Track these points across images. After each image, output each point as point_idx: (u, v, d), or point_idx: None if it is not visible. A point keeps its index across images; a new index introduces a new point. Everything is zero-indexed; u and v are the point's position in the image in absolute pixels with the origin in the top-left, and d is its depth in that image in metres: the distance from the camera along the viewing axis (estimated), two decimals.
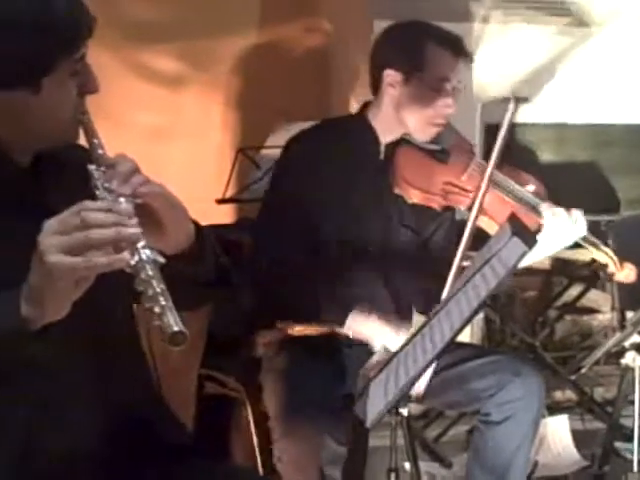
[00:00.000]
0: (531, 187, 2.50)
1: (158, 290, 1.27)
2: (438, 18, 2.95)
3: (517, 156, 3.55)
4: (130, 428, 1.57)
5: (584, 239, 2.43)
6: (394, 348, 2.17)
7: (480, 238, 2.40)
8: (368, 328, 2.33)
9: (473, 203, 2.32)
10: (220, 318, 2.58)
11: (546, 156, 3.68)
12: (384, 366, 1.69)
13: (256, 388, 2.46)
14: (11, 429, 1.43)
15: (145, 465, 1.58)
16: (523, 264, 1.61)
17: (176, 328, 1.24)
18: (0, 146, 1.48)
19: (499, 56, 3.42)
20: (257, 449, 2.46)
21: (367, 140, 2.48)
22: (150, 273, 1.28)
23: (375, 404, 1.62)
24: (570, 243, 2.41)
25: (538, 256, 2.38)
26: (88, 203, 1.29)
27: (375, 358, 2.05)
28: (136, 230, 1.30)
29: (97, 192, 1.38)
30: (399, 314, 2.46)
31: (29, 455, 1.45)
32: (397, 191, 2.43)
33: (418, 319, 2.58)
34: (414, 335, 1.73)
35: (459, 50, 2.42)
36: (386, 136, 2.47)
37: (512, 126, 3.37)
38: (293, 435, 2.22)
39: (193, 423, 2.55)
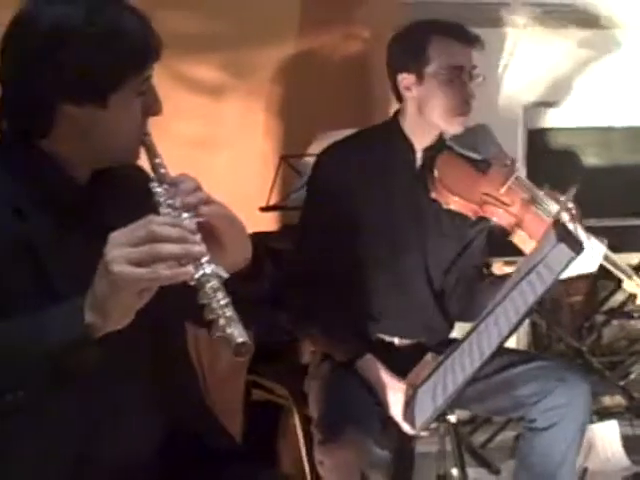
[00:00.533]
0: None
1: (222, 303, 1.29)
2: (476, 24, 2.96)
3: (561, 160, 3.54)
4: (181, 438, 1.59)
5: (615, 265, 2.40)
6: (391, 403, 2.20)
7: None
8: (374, 377, 2.31)
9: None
10: (266, 325, 2.60)
11: (591, 160, 3.65)
12: (431, 373, 1.69)
13: (302, 394, 2.48)
14: (69, 436, 1.45)
15: (195, 473, 1.60)
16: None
17: (240, 339, 1.26)
18: (60, 163, 1.50)
19: (540, 61, 3.40)
20: (304, 455, 2.47)
21: (401, 147, 2.47)
22: (214, 286, 1.30)
23: (423, 410, 1.62)
24: (582, 272, 2.38)
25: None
26: (155, 217, 1.31)
27: (421, 365, 2.05)
28: (201, 247, 1.32)
29: (160, 209, 1.40)
30: (439, 320, 2.48)
31: (85, 462, 1.47)
32: (434, 196, 2.42)
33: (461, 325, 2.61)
34: (461, 342, 1.73)
35: (464, 37, 2.41)
36: (420, 141, 2.46)
37: (543, 130, 3.43)
38: (335, 439, 2.22)
39: (241, 430, 2.58)
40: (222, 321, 1.27)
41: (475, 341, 1.65)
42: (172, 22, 3.36)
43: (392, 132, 2.49)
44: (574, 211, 2.40)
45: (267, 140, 3.62)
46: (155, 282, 1.27)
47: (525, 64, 3.33)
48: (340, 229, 2.40)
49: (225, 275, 1.33)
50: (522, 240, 2.41)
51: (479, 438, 3.16)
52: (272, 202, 3.22)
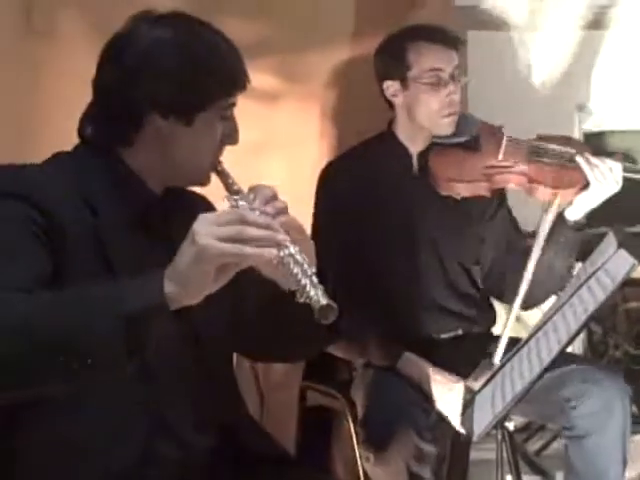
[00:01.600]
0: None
1: (306, 270, 1.35)
2: (531, 28, 2.95)
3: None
4: (231, 443, 1.63)
5: None
6: (446, 402, 2.18)
7: None
8: (419, 373, 2.33)
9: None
10: None
11: None
12: (489, 379, 1.68)
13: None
14: (131, 436, 1.49)
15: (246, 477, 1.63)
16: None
17: (324, 302, 1.31)
18: (138, 174, 1.55)
19: (594, 64, 3.36)
20: (358, 460, 2.47)
21: (397, 154, 2.53)
22: (300, 260, 1.35)
23: (482, 418, 1.62)
24: (610, 193, 2.37)
25: (587, 208, 2.38)
26: (245, 209, 1.38)
27: (479, 370, 2.05)
28: (286, 236, 1.36)
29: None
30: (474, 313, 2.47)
31: (144, 462, 1.50)
32: (444, 193, 2.44)
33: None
34: (519, 348, 1.72)
35: (443, 39, 2.46)
36: (414, 145, 2.52)
37: (603, 133, 3.39)
38: (380, 434, 2.23)
39: (295, 434, 2.59)
40: (307, 286, 1.33)
41: (534, 348, 1.64)
42: (226, 28, 3.37)
43: (387, 140, 2.55)
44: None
45: (322, 145, 3.62)
46: (238, 258, 1.30)
47: (579, 67, 3.30)
48: (352, 239, 2.43)
49: (307, 260, 1.36)
50: (544, 193, 2.41)
51: (534, 446, 3.14)
52: None
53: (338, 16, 3.62)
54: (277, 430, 2.80)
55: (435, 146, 2.49)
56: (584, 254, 2.14)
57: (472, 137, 2.49)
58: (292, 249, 1.37)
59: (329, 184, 2.55)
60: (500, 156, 2.46)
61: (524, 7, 3.18)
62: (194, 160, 1.56)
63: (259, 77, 3.62)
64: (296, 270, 1.36)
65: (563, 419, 2.34)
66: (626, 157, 3.53)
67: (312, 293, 1.33)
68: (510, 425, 1.76)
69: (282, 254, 1.35)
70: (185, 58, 1.51)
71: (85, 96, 1.65)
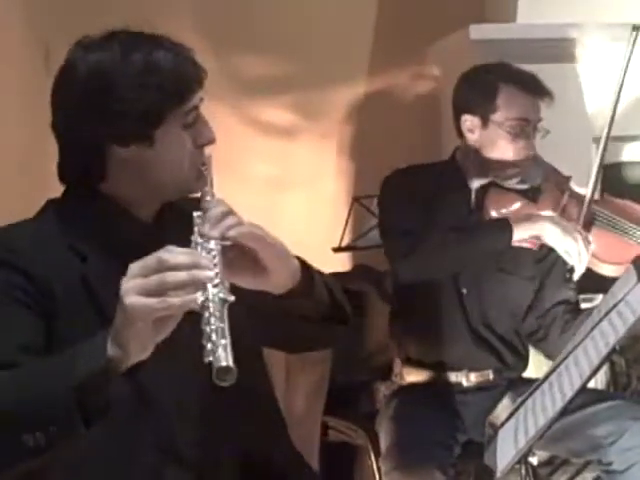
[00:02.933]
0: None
1: (214, 327, 1.26)
2: (545, 60, 2.95)
3: (629, 195, 3.48)
4: (261, 468, 1.59)
5: None
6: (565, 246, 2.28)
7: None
8: (534, 227, 2.34)
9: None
10: (341, 365, 2.60)
11: None
12: (512, 414, 1.67)
13: (377, 434, 2.47)
14: (139, 471, 1.47)
15: None
16: None
17: (223, 363, 1.23)
18: (123, 205, 1.53)
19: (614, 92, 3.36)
20: None
21: (457, 185, 2.48)
22: (212, 311, 1.27)
23: (505, 453, 1.60)
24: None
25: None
26: (170, 247, 1.31)
27: (502, 406, 2.04)
28: (209, 272, 1.29)
29: (192, 237, 1.40)
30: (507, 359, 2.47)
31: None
32: None
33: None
34: (541, 382, 1.71)
35: (535, 89, 2.40)
36: (474, 180, 2.47)
37: (620, 164, 3.37)
38: (402, 470, 2.22)
39: (317, 470, 2.57)
40: (209, 346, 1.25)
41: (556, 382, 1.63)
42: (244, 65, 3.43)
43: (450, 170, 2.50)
44: None
45: (339, 181, 3.64)
46: (167, 311, 1.26)
47: (595, 98, 3.30)
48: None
49: (230, 298, 1.30)
50: (591, 263, 2.38)
51: None
52: (345, 243, 3.23)
53: (355, 53, 3.66)
54: None
55: (495, 186, 2.45)
56: (605, 286, 2.15)
57: (534, 187, 2.46)
58: (210, 294, 1.27)
59: (391, 187, 2.51)
60: (557, 212, 2.44)
61: (541, 40, 3.19)
62: (172, 176, 1.51)
63: (277, 114, 3.68)
64: (207, 328, 1.26)
65: (595, 455, 2.31)
66: None
67: (215, 353, 1.23)
68: (534, 460, 1.75)
69: (200, 300, 1.27)
70: (124, 83, 1.46)
71: None
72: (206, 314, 1.27)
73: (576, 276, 2.37)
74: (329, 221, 3.37)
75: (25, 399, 1.28)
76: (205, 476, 1.53)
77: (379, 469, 2.45)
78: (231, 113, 3.26)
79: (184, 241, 1.47)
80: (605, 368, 3.37)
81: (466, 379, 2.45)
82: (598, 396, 2.39)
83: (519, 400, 1.75)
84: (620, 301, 1.62)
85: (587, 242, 2.34)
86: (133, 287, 1.25)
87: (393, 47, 3.64)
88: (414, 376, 2.49)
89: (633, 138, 3.41)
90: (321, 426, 2.68)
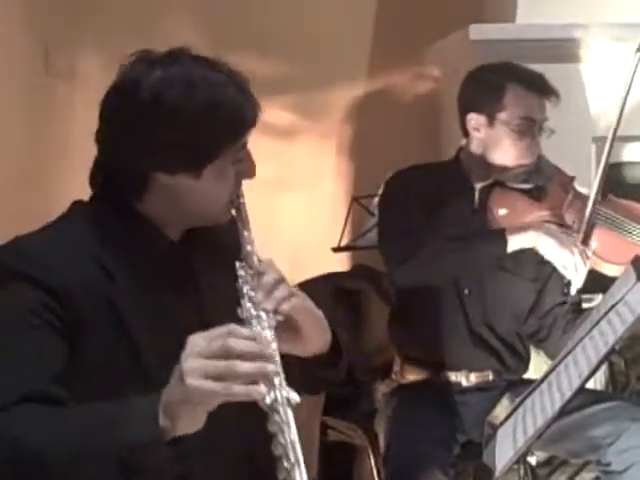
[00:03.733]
0: None
1: (289, 439, 1.28)
2: (545, 60, 2.95)
3: (630, 195, 3.48)
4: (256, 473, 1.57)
5: None
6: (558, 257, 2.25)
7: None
8: (529, 238, 2.32)
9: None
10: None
11: None
12: (511, 414, 1.67)
13: (376, 434, 2.47)
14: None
15: None
16: None
17: None
18: (154, 222, 1.50)
19: (613, 93, 3.36)
20: None
21: (460, 185, 2.48)
22: (284, 418, 1.29)
23: (503, 453, 1.60)
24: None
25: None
26: (235, 329, 1.29)
27: (501, 406, 2.03)
28: (276, 367, 1.30)
29: (242, 301, 1.40)
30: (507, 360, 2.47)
31: None
32: None
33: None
34: (540, 382, 1.71)
35: (542, 89, 2.40)
36: (479, 180, 2.46)
37: (621, 164, 3.37)
38: (403, 473, 2.22)
39: (316, 470, 2.57)
40: (286, 464, 1.26)
41: (555, 382, 1.63)
42: (243, 66, 3.42)
43: (453, 169, 2.50)
44: None
45: (339, 181, 3.64)
46: (229, 397, 1.26)
47: (596, 97, 3.30)
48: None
49: (297, 399, 1.31)
50: (594, 262, 2.38)
51: None
52: (344, 242, 3.24)
53: (354, 53, 3.66)
54: None
55: (499, 185, 2.44)
56: (605, 286, 2.15)
57: (538, 186, 2.46)
58: (279, 394, 1.29)
59: (395, 185, 2.50)
60: (562, 211, 2.43)
61: (540, 40, 3.19)
62: (208, 208, 1.50)
63: (277, 114, 3.67)
64: (281, 438, 1.28)
65: (594, 455, 2.31)
66: None
67: (292, 476, 1.25)
68: (532, 460, 1.75)
69: (270, 400, 1.28)
70: (186, 115, 1.41)
71: None
72: (277, 418, 1.28)
73: (573, 290, 2.37)
74: (328, 221, 3.37)
75: (69, 453, 1.27)
76: (208, 473, 1.52)
77: (378, 469, 2.46)
78: None
79: (209, 262, 1.51)
80: (604, 368, 3.36)
81: (466, 379, 2.45)
82: (597, 397, 2.39)
83: (518, 400, 1.75)
84: (619, 301, 1.62)
85: (585, 255, 2.33)
86: (197, 369, 1.24)
87: (392, 47, 3.64)
88: (414, 375, 2.49)
89: (634, 138, 3.41)
90: (320, 426, 2.69)
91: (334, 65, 3.59)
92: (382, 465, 2.35)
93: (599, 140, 3.31)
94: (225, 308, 1.44)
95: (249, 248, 1.47)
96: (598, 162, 3.31)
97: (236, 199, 1.51)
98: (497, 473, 1.57)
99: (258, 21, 3.55)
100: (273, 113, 3.58)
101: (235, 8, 3.53)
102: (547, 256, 2.32)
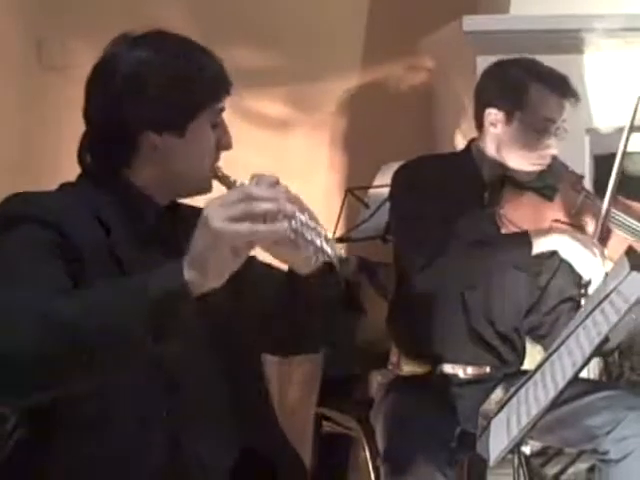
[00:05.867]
0: None
1: (322, 232, 1.43)
2: (538, 51, 2.94)
3: (634, 186, 3.48)
4: (258, 466, 1.61)
5: None
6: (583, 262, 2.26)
7: None
8: (552, 241, 2.32)
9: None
10: (335, 358, 2.60)
11: None
12: (505, 404, 1.68)
13: (372, 426, 2.47)
14: (151, 454, 1.49)
15: None
16: None
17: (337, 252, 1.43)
18: (144, 191, 1.59)
19: (606, 86, 3.36)
20: None
21: (471, 178, 2.45)
22: (311, 223, 1.41)
23: (497, 443, 1.61)
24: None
25: None
26: (249, 184, 1.38)
27: (495, 396, 2.04)
28: (294, 206, 1.38)
29: None
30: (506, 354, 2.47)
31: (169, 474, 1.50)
32: (503, 231, 2.40)
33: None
34: (533, 372, 1.71)
35: (565, 91, 2.37)
36: (490, 175, 2.45)
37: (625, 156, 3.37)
38: (402, 472, 2.21)
39: (311, 462, 2.58)
40: (322, 244, 1.41)
41: (549, 372, 1.63)
42: (237, 57, 3.42)
43: (464, 163, 2.47)
44: None
45: (333, 172, 3.65)
46: (253, 236, 1.32)
47: (589, 89, 3.30)
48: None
49: (318, 221, 1.44)
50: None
51: (551, 470, 3.11)
52: (338, 234, 3.24)
53: (348, 45, 3.66)
54: None
55: (511, 183, 2.42)
56: None
57: (549, 185, 2.43)
58: (302, 217, 1.40)
59: (413, 179, 2.48)
60: (573, 212, 2.41)
61: (534, 31, 3.19)
62: (193, 168, 1.59)
63: (270, 105, 3.67)
64: (310, 236, 1.40)
65: (591, 444, 2.31)
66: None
67: (329, 250, 1.39)
68: (527, 450, 1.75)
69: (294, 225, 1.38)
70: (168, 74, 1.55)
71: None
72: (308, 235, 1.41)
73: (591, 290, 2.36)
74: (322, 212, 3.30)
75: (97, 314, 1.31)
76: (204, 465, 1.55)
77: (373, 460, 2.46)
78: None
79: (192, 229, 1.51)
80: (598, 359, 3.37)
81: (463, 371, 2.45)
82: (594, 386, 2.39)
83: (512, 390, 1.75)
84: (612, 291, 1.62)
85: (604, 256, 2.32)
86: (221, 213, 1.30)
87: (386, 39, 3.64)
88: (411, 367, 2.48)
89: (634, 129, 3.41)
90: (315, 417, 2.69)
91: (328, 57, 3.60)
92: (380, 461, 2.34)
93: (592, 131, 3.33)
94: None
95: (237, 181, 1.54)
96: (592, 153, 3.35)
97: (217, 170, 1.59)
98: (491, 463, 1.57)
99: (251, 12, 3.54)
100: (267, 105, 3.59)
101: (228, 0, 3.54)
102: (569, 258, 2.30)
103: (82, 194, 1.57)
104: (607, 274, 1.98)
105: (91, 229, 1.51)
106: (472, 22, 3.20)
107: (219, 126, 1.60)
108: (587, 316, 1.65)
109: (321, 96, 3.61)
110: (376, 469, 2.49)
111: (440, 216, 2.33)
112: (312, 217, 1.45)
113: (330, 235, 1.42)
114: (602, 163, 3.39)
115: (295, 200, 1.45)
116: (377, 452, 2.40)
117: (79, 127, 1.61)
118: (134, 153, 1.57)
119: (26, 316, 1.31)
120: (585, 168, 3.27)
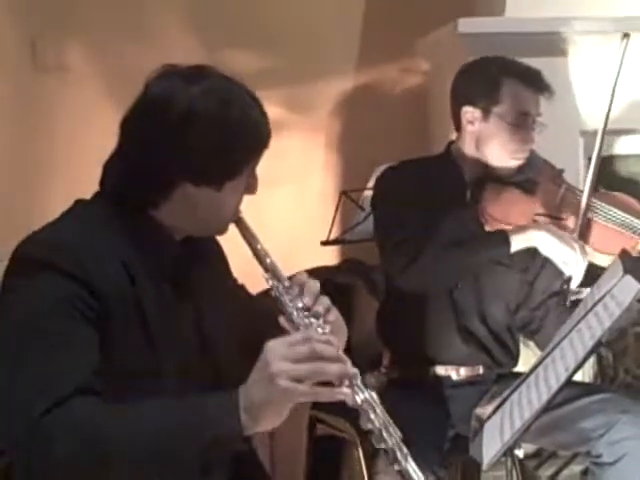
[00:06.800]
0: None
1: (394, 434, 1.41)
2: (533, 54, 2.95)
3: (621, 188, 3.49)
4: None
5: None
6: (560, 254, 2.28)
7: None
8: (531, 238, 2.33)
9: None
10: None
11: None
12: (498, 407, 1.68)
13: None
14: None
15: None
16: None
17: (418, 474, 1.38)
18: (166, 229, 1.56)
19: (601, 87, 3.37)
20: None
21: (452, 179, 2.47)
22: (379, 412, 1.38)
23: (490, 446, 1.61)
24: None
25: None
26: (313, 334, 1.37)
27: (488, 398, 2.04)
28: (355, 369, 1.37)
29: (287, 309, 1.49)
30: (498, 354, 2.47)
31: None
32: (488, 228, 2.41)
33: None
34: (527, 375, 1.71)
35: (539, 85, 2.41)
36: (471, 174, 2.46)
37: (612, 157, 3.38)
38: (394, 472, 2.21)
39: (305, 464, 2.57)
40: (396, 466, 1.37)
41: (542, 375, 1.63)
42: (232, 60, 3.42)
43: (445, 163, 2.49)
44: None
45: (328, 174, 3.65)
46: (314, 398, 1.32)
47: (584, 91, 3.31)
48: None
49: (376, 399, 1.40)
50: (589, 254, 2.39)
51: (545, 472, 3.12)
52: (333, 236, 3.23)
53: (343, 46, 3.66)
54: (286, 460, 2.79)
55: (492, 179, 2.45)
56: (591, 279, 2.15)
57: (530, 179, 2.46)
58: (367, 393, 1.38)
59: (390, 182, 2.49)
60: (554, 206, 2.44)
61: (529, 34, 3.19)
62: (219, 217, 1.57)
63: (266, 107, 3.65)
64: (384, 433, 1.38)
65: (585, 447, 2.31)
66: (635, 183, 3.54)
67: (403, 463, 1.37)
68: (520, 453, 1.75)
69: (359, 400, 1.36)
70: (220, 130, 1.49)
71: (93, 132, 1.66)
72: (372, 415, 1.38)
73: (573, 285, 2.38)
74: (317, 214, 3.37)
75: (154, 454, 1.31)
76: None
77: (367, 462, 2.45)
78: None
79: (207, 274, 1.60)
80: (592, 361, 3.38)
81: (456, 373, 2.45)
82: (588, 389, 2.40)
83: (505, 393, 1.75)
84: (606, 294, 1.62)
85: (584, 251, 2.34)
86: (286, 370, 1.29)
87: (381, 41, 3.64)
88: (404, 370, 2.49)
89: (626, 132, 3.42)
90: (309, 419, 2.68)
91: (323, 59, 3.59)
92: (374, 466, 2.34)
93: (587, 134, 3.33)
94: (217, 305, 1.58)
95: (269, 261, 1.55)
96: (587, 156, 3.35)
97: (238, 214, 1.59)
98: (484, 466, 1.57)
99: (247, 15, 3.54)
100: None
101: (224, 2, 3.53)
102: (549, 254, 2.33)
103: (103, 228, 1.52)
104: (601, 275, 2.00)
105: (117, 277, 1.47)
106: (467, 24, 3.20)
107: (251, 174, 1.58)
108: (581, 319, 1.65)
109: (316, 98, 3.61)
110: (369, 470, 2.49)
111: (421, 219, 2.36)
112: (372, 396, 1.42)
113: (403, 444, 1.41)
114: (601, 165, 3.40)
115: (337, 319, 1.49)
116: (370, 454, 2.41)
117: (73, 128, 1.59)
118: (166, 197, 1.53)
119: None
120: (580, 170, 3.27)
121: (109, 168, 1.57)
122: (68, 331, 1.38)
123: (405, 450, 1.39)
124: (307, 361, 1.30)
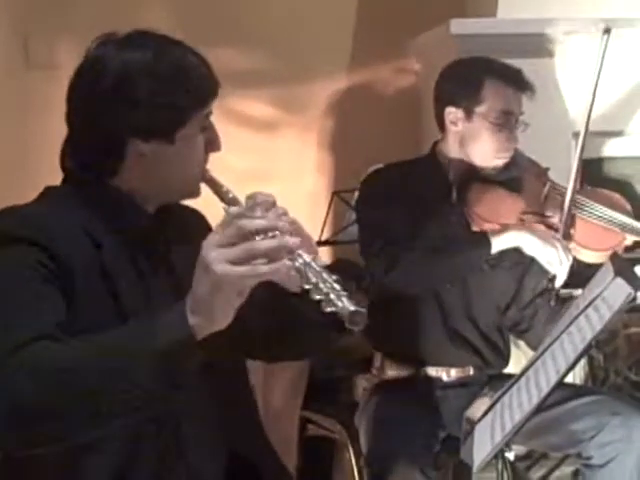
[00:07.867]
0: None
1: (329, 278, 1.32)
2: (526, 55, 2.95)
3: (611, 189, 3.49)
4: (240, 471, 1.61)
5: None
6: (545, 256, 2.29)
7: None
8: (512, 238, 2.34)
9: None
10: (321, 361, 2.60)
11: None
12: (489, 409, 1.68)
13: (356, 429, 2.47)
14: (142, 459, 1.48)
15: None
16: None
17: (353, 308, 1.29)
18: (132, 198, 1.56)
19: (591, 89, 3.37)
20: None
21: (437, 180, 2.48)
22: (318, 269, 1.33)
23: (481, 448, 1.61)
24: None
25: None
26: (243, 214, 1.33)
27: (479, 401, 2.04)
28: (296, 239, 1.34)
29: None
30: (488, 355, 2.47)
31: None
32: (475, 228, 2.42)
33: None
34: (518, 378, 1.71)
35: (520, 83, 2.42)
36: (455, 174, 2.47)
37: (602, 159, 3.39)
38: (385, 475, 2.22)
39: (296, 465, 2.57)
40: (333, 295, 1.30)
41: (532, 377, 1.63)
42: (225, 59, 3.41)
43: (430, 165, 2.50)
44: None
45: (320, 174, 3.64)
46: (256, 278, 1.29)
47: (575, 93, 3.31)
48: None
49: (324, 262, 1.35)
50: (575, 250, 2.40)
51: (536, 474, 3.12)
52: (325, 237, 3.23)
53: (336, 47, 3.66)
54: None
55: (477, 180, 2.45)
56: (583, 282, 2.15)
57: (515, 177, 2.47)
58: (306, 257, 1.34)
59: (372, 187, 2.49)
60: (539, 203, 2.45)
61: (521, 35, 3.20)
62: (182, 175, 1.56)
63: (257, 107, 3.66)
64: (315, 279, 1.32)
65: (575, 449, 2.32)
66: (625, 184, 3.55)
67: (338, 302, 1.29)
68: (510, 455, 1.75)
69: (297, 264, 1.33)
70: (157, 80, 1.50)
71: None
72: (311, 274, 1.32)
73: (558, 284, 2.38)
74: (309, 215, 3.35)
75: (107, 368, 1.29)
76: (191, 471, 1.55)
77: (358, 463, 2.45)
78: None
79: (182, 246, 1.55)
80: (583, 363, 3.38)
81: (446, 374, 2.45)
82: (578, 391, 2.40)
83: (496, 395, 1.75)
84: (597, 297, 1.62)
85: (567, 249, 2.35)
86: (220, 256, 1.27)
87: (374, 41, 3.64)
88: (394, 371, 2.49)
89: (614, 134, 3.42)
90: (300, 420, 2.69)
91: (315, 59, 3.59)
92: (364, 464, 2.34)
93: (579, 136, 3.33)
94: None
95: (231, 195, 1.51)
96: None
97: (206, 173, 1.56)
98: (475, 469, 1.57)
99: (239, 14, 3.54)
100: (254, 106, 3.58)
101: (215, 1, 3.53)
102: (531, 253, 2.34)
103: (69, 204, 1.53)
104: (593, 276, 2.01)
105: (81, 245, 1.48)
106: (460, 25, 3.20)
107: (208, 128, 1.57)
108: (572, 322, 1.65)
109: (308, 98, 3.61)
110: (360, 472, 2.49)
111: (405, 221, 2.36)
112: (316, 257, 1.38)
113: (338, 285, 1.32)
114: (590, 167, 3.40)
115: (294, 227, 1.42)
116: (361, 455, 2.41)
117: (65, 127, 1.58)
118: (120, 161, 1.53)
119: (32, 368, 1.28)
120: (572, 172, 3.27)
121: (65, 149, 1.58)
122: (32, 291, 1.40)
123: (340, 289, 1.32)
124: (239, 242, 1.28)
